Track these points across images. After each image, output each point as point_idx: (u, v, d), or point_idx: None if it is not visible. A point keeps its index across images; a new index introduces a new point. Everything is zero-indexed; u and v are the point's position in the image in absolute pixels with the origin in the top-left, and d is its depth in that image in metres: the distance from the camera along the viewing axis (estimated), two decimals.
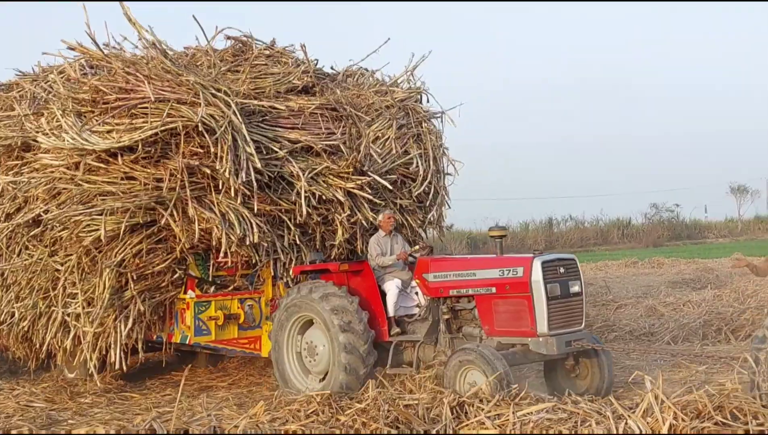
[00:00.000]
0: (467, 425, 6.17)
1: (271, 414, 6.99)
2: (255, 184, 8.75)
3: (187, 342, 9.47)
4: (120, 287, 9.12)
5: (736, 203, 62.28)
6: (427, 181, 10.29)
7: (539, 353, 7.27)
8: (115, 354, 9.18)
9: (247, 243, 8.85)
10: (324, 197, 9.32)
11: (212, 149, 8.57)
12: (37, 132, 9.33)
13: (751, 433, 5.12)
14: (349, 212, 9.51)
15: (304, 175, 9.16)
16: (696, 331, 11.56)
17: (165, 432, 4.44)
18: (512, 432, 5.78)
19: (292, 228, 9.33)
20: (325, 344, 8.33)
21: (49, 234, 9.56)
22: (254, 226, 8.85)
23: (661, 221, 55.82)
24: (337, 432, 6.37)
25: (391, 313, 8.31)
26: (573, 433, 5.64)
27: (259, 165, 8.72)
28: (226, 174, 8.54)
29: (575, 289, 7.49)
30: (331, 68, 11.18)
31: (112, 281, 8.91)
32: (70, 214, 8.94)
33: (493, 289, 7.52)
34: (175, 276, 9.27)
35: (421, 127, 10.54)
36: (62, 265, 9.46)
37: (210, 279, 9.59)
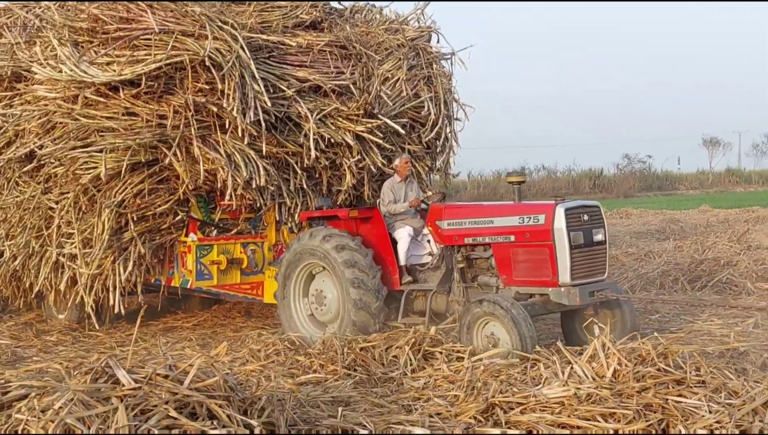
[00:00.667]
0: (424, 368, 6.58)
1: (233, 354, 7.55)
2: (263, 124, 8.40)
3: (188, 286, 9.20)
4: (119, 228, 8.78)
5: (708, 155, 63.20)
6: (438, 126, 9.98)
7: (560, 304, 7.06)
8: (114, 297, 8.89)
9: (254, 186, 8.52)
10: (333, 140, 8.98)
11: (219, 86, 8.18)
12: (32, 61, 8.87)
13: (688, 381, 5.24)
14: (358, 157, 9.20)
15: (312, 116, 8.81)
16: (653, 280, 11.60)
17: (121, 368, 4.36)
18: (464, 376, 6.09)
19: (299, 172, 9.00)
20: (335, 293, 8.11)
21: (43, 170, 9.19)
22: (261, 168, 8.52)
23: (633, 172, 56.14)
24: (295, 372, 6.63)
25: (402, 261, 8.06)
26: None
27: (268, 104, 8.35)
28: (234, 112, 8.18)
29: (599, 237, 7.24)
30: (339, 2, 10.74)
31: (111, 222, 8.57)
32: (67, 151, 8.55)
33: (512, 238, 7.27)
34: (177, 218, 8.94)
35: (432, 69, 10.17)
36: (57, 203, 9.10)
37: (213, 222, 9.28)
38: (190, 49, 8.15)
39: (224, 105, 8.18)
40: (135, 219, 8.70)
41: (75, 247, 9.00)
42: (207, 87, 8.31)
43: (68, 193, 8.94)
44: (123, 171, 8.40)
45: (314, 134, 8.75)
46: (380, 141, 9.25)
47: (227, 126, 8.45)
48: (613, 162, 57.14)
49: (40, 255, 9.49)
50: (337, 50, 9.44)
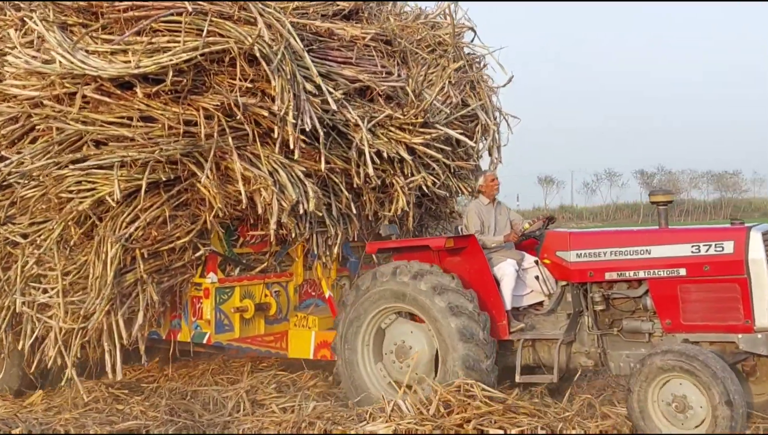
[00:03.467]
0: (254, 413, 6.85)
1: (47, 403, 7.52)
2: (320, 133, 6.85)
3: (204, 341, 7.40)
4: (121, 268, 6.95)
5: (543, 192, 67.58)
6: (490, 139, 8.70)
7: (752, 353, 5.86)
8: (113, 357, 7.01)
9: (300, 211, 6.92)
10: (386, 155, 7.51)
11: (272, 84, 6.57)
12: (4, 50, 6.93)
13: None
14: (411, 175, 7.78)
15: (364, 124, 7.31)
16: None
17: None
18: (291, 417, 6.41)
19: (346, 193, 7.47)
20: (425, 346, 6.63)
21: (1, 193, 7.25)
22: (309, 190, 6.94)
23: None
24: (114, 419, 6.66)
25: (508, 304, 6.68)
26: None
27: (333, 106, 6.82)
28: (290, 118, 6.58)
29: None
30: None
31: (118, 260, 6.72)
32: (53, 167, 6.67)
33: (682, 271, 6.00)
34: (198, 254, 7.17)
35: (472, 71, 8.88)
36: (25, 237, 7.14)
37: (236, 258, 7.57)
38: (233, 36, 6.50)
39: (275, 107, 6.56)
40: (145, 255, 6.88)
41: (50, 293, 7.08)
42: (249, 85, 6.67)
43: (46, 222, 7.02)
44: (133, 193, 6.64)
45: (369, 146, 7.26)
46: (438, 155, 7.87)
47: (275, 134, 6.86)
48: None
49: None
50: (382, 46, 7.99)
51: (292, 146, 6.69)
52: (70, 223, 6.76)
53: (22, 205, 7.18)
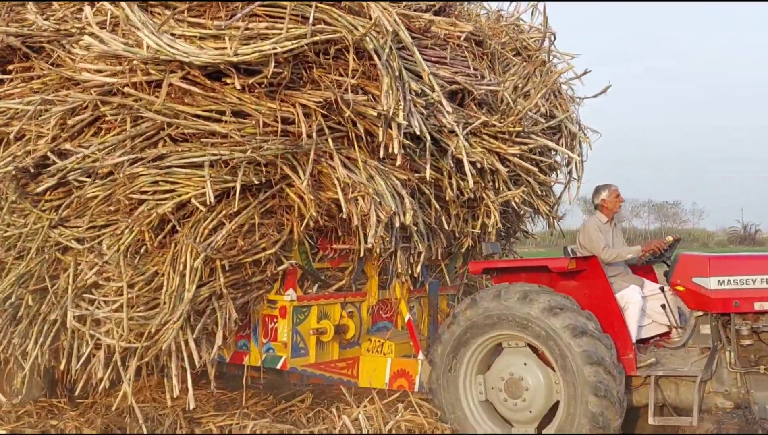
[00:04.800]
0: None
1: None
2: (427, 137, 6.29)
3: (279, 366, 6.72)
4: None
5: None
6: (577, 153, 8.20)
7: None
8: (179, 381, 6.31)
9: (397, 224, 6.32)
10: (482, 166, 6.95)
11: (379, 81, 5.99)
12: (79, 29, 6.25)
13: None
14: (505, 189, 7.23)
15: (460, 130, 6.75)
16: None
17: None
18: None
19: (436, 206, 6.89)
20: (542, 385, 6.05)
21: (54, 193, 6.54)
22: (407, 201, 6.35)
23: None
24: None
25: (634, 336, 6.13)
26: None
27: (449, 108, 6.25)
28: (400, 118, 6.00)
29: None
30: None
31: (199, 272, 6.03)
32: (142, 165, 6.00)
33: None
34: (282, 267, 6.51)
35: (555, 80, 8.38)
36: (80, 241, 6.43)
37: (315, 274, 6.92)
38: (341, 25, 5.91)
39: (383, 106, 5.97)
40: (227, 268, 6.20)
41: (110, 307, 6.38)
42: (353, 81, 6.07)
43: (108, 226, 6.33)
44: (225, 197, 6.01)
45: (468, 155, 6.69)
46: (533, 168, 7.34)
47: (360, 139, 6.30)
48: None
49: (32, 317, 6.73)
50: (473, 47, 7.46)
51: (396, 151, 6.10)
52: (144, 229, 6.04)
53: (78, 207, 6.47)
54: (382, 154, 6.11)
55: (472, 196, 6.99)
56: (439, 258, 7.27)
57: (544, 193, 8.15)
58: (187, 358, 6.25)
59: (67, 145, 6.30)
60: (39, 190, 6.38)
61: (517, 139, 7.13)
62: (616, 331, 6.03)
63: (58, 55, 6.54)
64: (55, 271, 6.66)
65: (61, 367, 6.84)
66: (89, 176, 6.34)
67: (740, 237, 52.58)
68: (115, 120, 6.18)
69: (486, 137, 7.06)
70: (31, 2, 6.64)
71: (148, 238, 6.05)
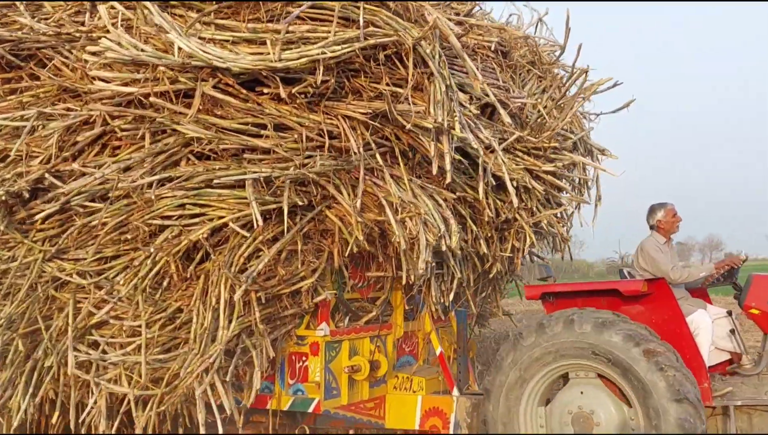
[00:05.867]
0: None
1: None
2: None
3: (311, 409, 6.09)
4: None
5: None
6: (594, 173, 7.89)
7: None
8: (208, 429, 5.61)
9: (444, 248, 5.82)
10: (517, 184, 6.53)
11: (429, 90, 5.51)
12: (86, 32, 5.54)
13: None
14: (539, 210, 6.84)
15: (497, 146, 6.32)
16: None
17: None
18: None
19: (474, 228, 6.43)
20: (612, 410, 5.62)
21: (51, 219, 5.79)
22: (452, 222, 5.87)
23: None
24: None
25: (707, 363, 5.78)
26: None
27: (508, 118, 5.81)
28: (457, 131, 5.52)
29: None
30: None
31: (238, 306, 5.37)
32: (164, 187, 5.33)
33: None
34: (320, 298, 5.90)
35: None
36: (84, 276, 5.70)
37: (346, 305, 6.33)
38: (391, 28, 5.41)
39: (438, 119, 5.48)
40: (263, 300, 5.56)
41: (116, 349, 5.66)
42: (399, 90, 5.58)
43: (119, 258, 5.62)
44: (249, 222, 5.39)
45: (509, 174, 6.26)
46: (566, 186, 6.99)
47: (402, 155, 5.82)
48: None
49: (18, 365, 5.93)
50: (500, 58, 7.07)
51: (447, 167, 5.62)
52: (170, 259, 5.35)
53: (80, 236, 5.73)
54: (435, 171, 5.58)
55: (505, 217, 6.56)
56: (471, 284, 6.80)
57: (560, 216, 7.79)
58: (215, 404, 5.56)
59: (72, 165, 5.56)
60: (40, 217, 5.59)
61: (552, 156, 6.75)
62: (689, 359, 5.66)
63: (54, 64, 5.81)
64: (48, 310, 5.88)
65: (53, 421, 6.04)
66: (93, 201, 5.63)
67: (617, 267, 54.16)
68: (128, 136, 5.48)
69: (519, 153, 6.65)
70: (22, 3, 5.88)
71: (174, 269, 5.36)
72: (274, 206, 5.30)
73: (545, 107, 7.28)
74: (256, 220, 5.06)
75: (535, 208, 6.83)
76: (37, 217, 5.61)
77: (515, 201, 6.20)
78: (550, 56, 7.96)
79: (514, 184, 6.47)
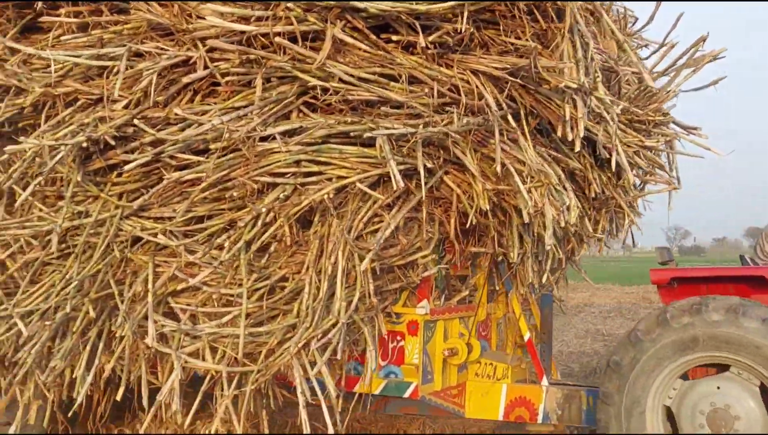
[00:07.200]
0: None
1: None
2: None
3: (407, 395, 5.64)
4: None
5: None
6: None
7: None
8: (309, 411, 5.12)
9: (563, 223, 5.43)
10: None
11: (571, 46, 5.11)
12: None
13: None
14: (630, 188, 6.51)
15: (610, 116, 5.96)
16: None
17: None
18: None
19: (581, 205, 6.05)
20: (751, 404, 5.30)
21: (127, 174, 5.23)
22: (572, 195, 5.49)
23: None
24: None
25: None
26: None
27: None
28: (600, 92, 5.15)
29: None
30: None
31: (359, 275, 4.90)
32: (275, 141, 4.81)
33: None
34: (430, 271, 5.46)
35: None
36: (171, 234, 5.16)
37: (443, 283, 5.91)
38: None
39: (573, 78, 5.08)
40: (377, 271, 5.10)
41: (201, 320, 5.15)
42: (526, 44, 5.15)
43: (213, 218, 5.10)
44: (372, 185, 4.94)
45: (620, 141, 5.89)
46: (661, 162, 6.68)
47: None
48: None
49: (82, 334, 5.38)
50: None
51: (581, 134, 5.24)
52: (285, 221, 4.85)
53: (165, 192, 5.18)
54: (570, 137, 5.18)
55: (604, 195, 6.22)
56: (563, 266, 6.44)
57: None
58: (317, 384, 5.08)
59: (166, 111, 5.01)
60: (128, 167, 5.02)
61: (655, 130, 6.42)
62: None
63: None
64: (123, 274, 5.32)
65: (118, 397, 5.50)
66: (184, 153, 5.09)
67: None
68: (234, 81, 4.96)
69: (622, 126, 6.29)
70: None
71: (287, 233, 4.86)
72: (402, 167, 4.83)
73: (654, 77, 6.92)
74: (396, 182, 4.58)
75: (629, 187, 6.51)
76: (125, 167, 5.02)
77: (631, 177, 5.87)
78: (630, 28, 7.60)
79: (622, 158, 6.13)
